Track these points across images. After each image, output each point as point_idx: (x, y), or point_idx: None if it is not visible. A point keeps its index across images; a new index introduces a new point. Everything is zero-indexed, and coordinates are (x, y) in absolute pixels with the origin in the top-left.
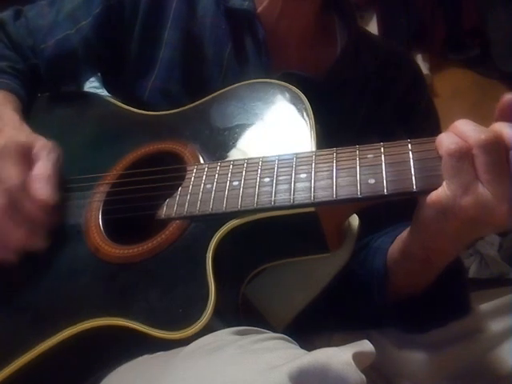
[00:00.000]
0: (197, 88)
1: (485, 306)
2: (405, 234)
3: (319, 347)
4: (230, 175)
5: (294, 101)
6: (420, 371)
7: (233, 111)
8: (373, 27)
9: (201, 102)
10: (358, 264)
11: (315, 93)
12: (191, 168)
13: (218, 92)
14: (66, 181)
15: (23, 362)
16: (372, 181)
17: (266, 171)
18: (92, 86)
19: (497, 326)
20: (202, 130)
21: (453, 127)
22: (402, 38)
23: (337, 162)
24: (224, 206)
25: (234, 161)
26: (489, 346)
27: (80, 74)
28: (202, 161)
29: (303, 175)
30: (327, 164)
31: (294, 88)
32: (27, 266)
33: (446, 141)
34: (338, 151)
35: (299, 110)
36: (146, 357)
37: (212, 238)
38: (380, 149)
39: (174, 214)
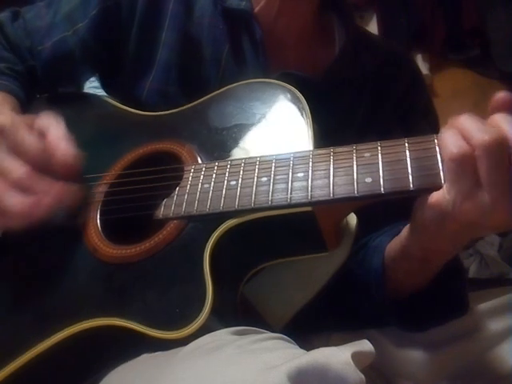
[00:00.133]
0: (195, 88)
1: (484, 306)
2: (403, 233)
3: (318, 347)
4: (227, 175)
5: (292, 100)
6: (420, 371)
7: (231, 111)
8: (373, 27)
9: (199, 102)
10: (357, 263)
11: (313, 93)
12: (189, 168)
13: (216, 92)
14: None
15: (22, 362)
16: (369, 180)
17: (264, 170)
18: (92, 85)
19: (496, 325)
20: (200, 130)
21: (456, 123)
22: (401, 38)
23: (334, 161)
24: (221, 206)
25: (231, 160)
26: (488, 346)
27: (77, 76)
28: (199, 161)
29: (300, 174)
30: (324, 163)
31: (291, 88)
32: (27, 266)
33: (449, 143)
34: (335, 150)
35: (297, 110)
36: (145, 356)
37: (209, 237)
38: (377, 147)
39: (171, 214)
